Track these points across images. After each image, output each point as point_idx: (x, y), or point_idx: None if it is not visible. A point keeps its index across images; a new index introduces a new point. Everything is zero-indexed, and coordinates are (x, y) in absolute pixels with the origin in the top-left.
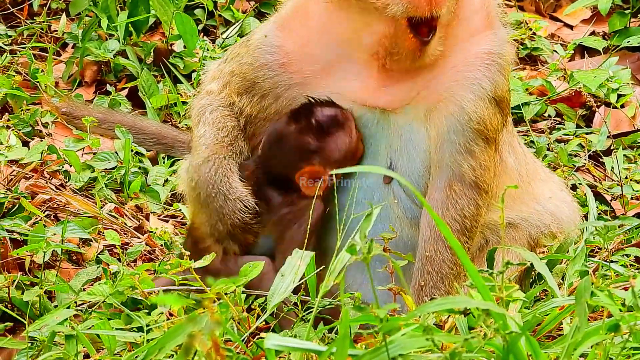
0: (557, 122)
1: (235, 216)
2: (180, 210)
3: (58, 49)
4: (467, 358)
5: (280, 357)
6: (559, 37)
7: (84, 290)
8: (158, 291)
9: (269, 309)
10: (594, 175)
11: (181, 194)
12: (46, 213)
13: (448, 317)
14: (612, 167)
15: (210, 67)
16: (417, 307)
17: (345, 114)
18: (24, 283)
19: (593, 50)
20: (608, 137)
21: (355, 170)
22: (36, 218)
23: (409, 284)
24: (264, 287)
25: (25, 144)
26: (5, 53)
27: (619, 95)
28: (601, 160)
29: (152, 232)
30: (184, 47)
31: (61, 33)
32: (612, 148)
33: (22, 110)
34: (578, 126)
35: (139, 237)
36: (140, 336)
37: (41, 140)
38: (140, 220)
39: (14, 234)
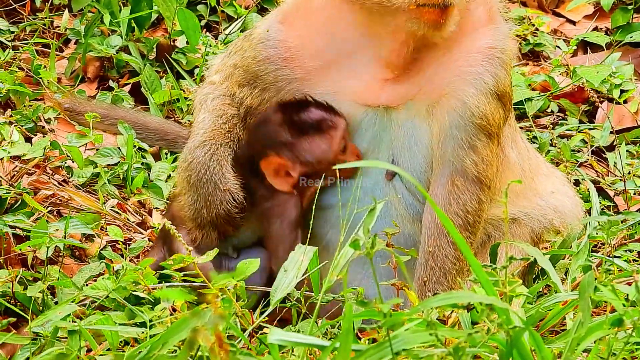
0: (560, 117)
1: (222, 206)
2: None
3: (60, 45)
4: (470, 353)
5: (283, 353)
6: (561, 32)
7: (87, 285)
8: (162, 286)
9: (272, 304)
10: (596, 171)
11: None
12: (49, 209)
13: (451, 312)
14: (615, 163)
15: (214, 61)
16: (421, 302)
17: (335, 123)
18: (26, 279)
19: (596, 45)
20: (611, 132)
21: (358, 165)
22: (39, 214)
23: (412, 280)
24: (252, 283)
25: (28, 139)
26: (8, 49)
27: (622, 91)
28: (604, 155)
29: (154, 227)
30: (187, 43)
31: (64, 29)
32: (614, 143)
33: (24, 106)
34: (581, 122)
35: (141, 233)
36: (143, 332)
37: (44, 136)
38: (143, 216)
39: (17, 229)
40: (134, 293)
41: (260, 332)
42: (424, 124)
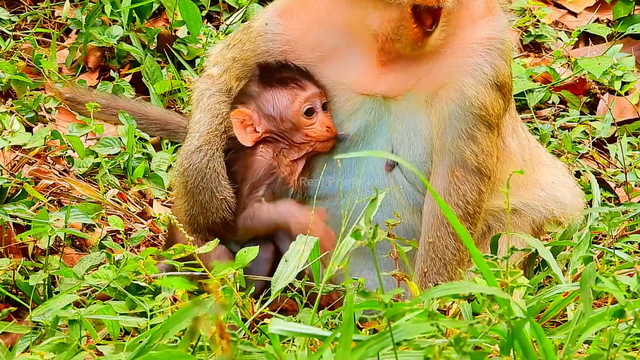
0: (561, 109)
1: (218, 214)
2: None
3: (61, 35)
4: (471, 343)
5: (284, 343)
6: (563, 24)
7: (88, 274)
8: (162, 275)
9: (272, 294)
10: (598, 163)
11: None
12: (49, 198)
13: (452, 303)
14: (616, 154)
15: (212, 51)
16: (422, 293)
17: (303, 84)
18: (27, 268)
19: (597, 37)
20: (612, 124)
21: (359, 155)
22: (39, 203)
23: (412, 271)
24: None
25: (29, 129)
26: (9, 39)
27: (623, 83)
28: (605, 147)
29: (155, 217)
30: (188, 33)
31: (65, 19)
32: (616, 135)
33: (25, 95)
34: (582, 113)
35: (142, 223)
36: (144, 321)
37: (44, 126)
38: (144, 206)
39: (18, 219)
40: (135, 282)
41: (261, 322)
42: (423, 115)
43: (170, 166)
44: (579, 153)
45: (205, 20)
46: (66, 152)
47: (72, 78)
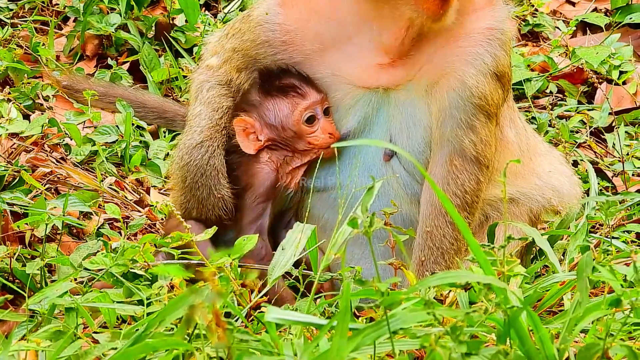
0: (559, 98)
1: (214, 212)
2: None
3: (59, 23)
4: (468, 332)
5: (280, 331)
6: (561, 13)
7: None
8: (159, 263)
9: (269, 283)
10: (595, 152)
11: None
12: (47, 186)
13: (449, 292)
14: (614, 144)
15: (210, 40)
16: (419, 282)
17: (303, 92)
18: (24, 256)
19: (595, 26)
20: (610, 113)
21: (356, 144)
22: (37, 191)
23: (410, 260)
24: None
25: (26, 117)
26: (7, 26)
27: (621, 72)
28: (603, 136)
29: (152, 205)
30: (186, 21)
31: (63, 6)
32: (613, 124)
33: (23, 83)
34: (580, 102)
35: (139, 211)
36: (140, 309)
37: (42, 114)
38: (141, 194)
39: (15, 207)
40: (132, 270)
41: (257, 310)
42: (423, 104)
43: (167, 154)
44: (577, 142)
45: (203, 8)
46: (63, 140)
47: (70, 66)
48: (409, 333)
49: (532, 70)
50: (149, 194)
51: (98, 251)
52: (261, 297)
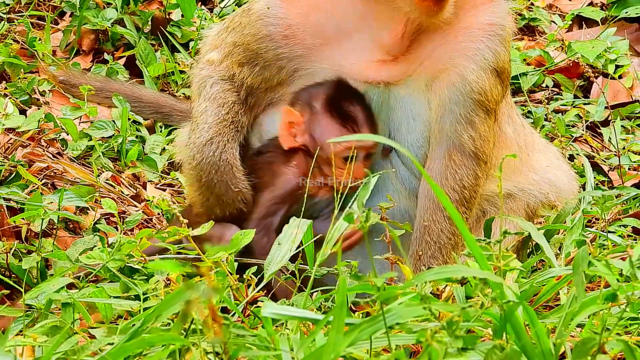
0: (555, 92)
1: (234, 205)
2: (177, 178)
3: (56, 18)
4: (464, 327)
5: (277, 327)
6: (557, 7)
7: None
8: (156, 257)
9: (265, 277)
10: (591, 146)
11: (179, 162)
12: (43, 181)
13: (445, 287)
14: (610, 138)
15: (209, 33)
16: (415, 276)
17: (357, 130)
18: (20, 251)
19: (591, 20)
20: (606, 107)
21: (355, 139)
22: (33, 186)
23: (406, 254)
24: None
25: (23, 112)
26: (3, 21)
27: (617, 66)
28: (599, 130)
29: (149, 200)
30: (182, 16)
31: (59, 1)
32: (609, 119)
33: (19, 78)
34: (576, 97)
35: (136, 206)
36: (137, 304)
37: (38, 109)
38: (137, 189)
39: (11, 202)
40: (129, 265)
41: (254, 305)
42: (422, 99)
43: (164, 149)
44: (573, 136)
45: (199, 3)
46: (60, 135)
47: (66, 61)
48: (405, 328)
49: (528, 64)
50: (145, 189)
51: (94, 246)
52: (258, 291)
